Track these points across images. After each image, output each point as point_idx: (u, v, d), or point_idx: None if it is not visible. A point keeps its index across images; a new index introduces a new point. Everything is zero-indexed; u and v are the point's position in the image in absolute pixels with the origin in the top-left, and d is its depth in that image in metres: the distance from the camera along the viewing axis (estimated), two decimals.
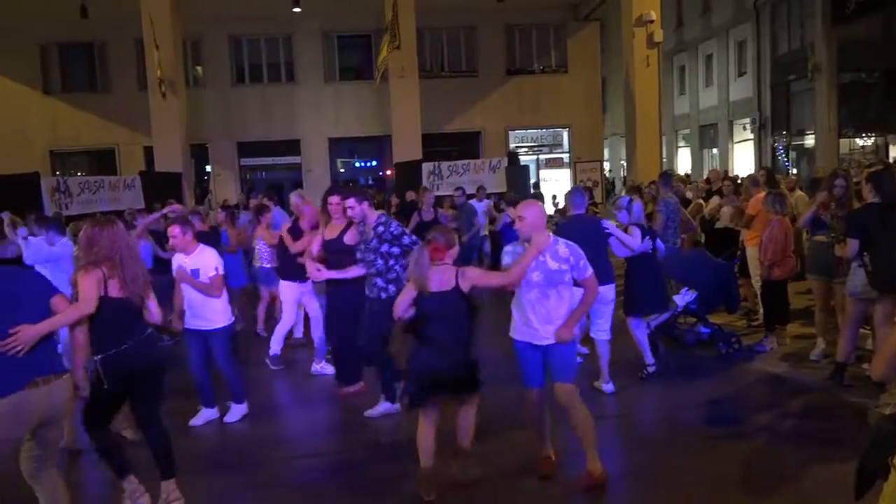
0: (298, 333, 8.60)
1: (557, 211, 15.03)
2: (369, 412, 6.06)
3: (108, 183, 15.16)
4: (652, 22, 17.65)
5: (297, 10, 19.37)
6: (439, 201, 12.70)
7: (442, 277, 4.39)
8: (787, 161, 21.80)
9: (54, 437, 3.81)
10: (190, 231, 5.89)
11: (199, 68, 22.20)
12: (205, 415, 6.10)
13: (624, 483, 4.72)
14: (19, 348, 3.51)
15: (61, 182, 14.15)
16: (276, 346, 7.64)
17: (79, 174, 20.69)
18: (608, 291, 6.15)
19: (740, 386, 6.59)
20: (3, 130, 20.82)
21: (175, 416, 6.07)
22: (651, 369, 6.73)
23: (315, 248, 6.32)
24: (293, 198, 8.36)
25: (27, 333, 3.54)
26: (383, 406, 6.06)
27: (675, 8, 29.24)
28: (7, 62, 20.97)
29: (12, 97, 21.10)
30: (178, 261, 5.95)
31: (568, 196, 6.63)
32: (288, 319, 7.67)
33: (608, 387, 6.31)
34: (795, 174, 19.09)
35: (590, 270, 4.47)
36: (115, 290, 4.05)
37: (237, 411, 6.16)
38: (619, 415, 6.00)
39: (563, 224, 5.97)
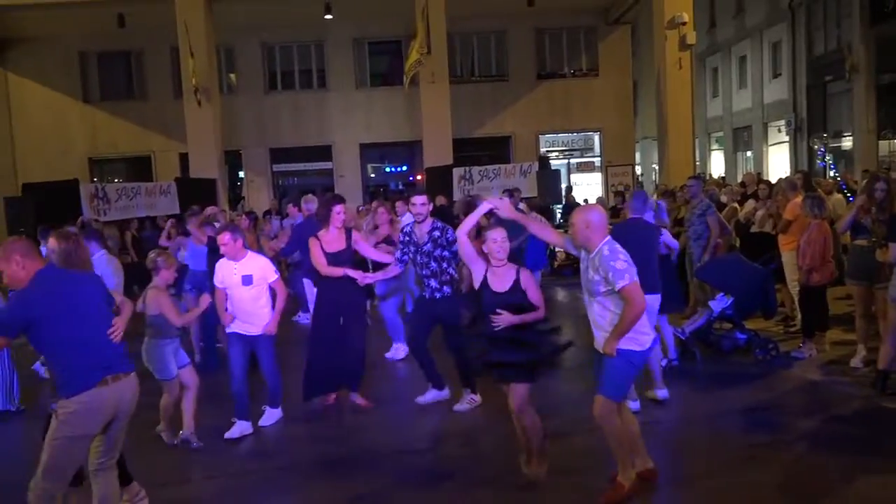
0: None
1: None
2: (420, 398, 6.38)
3: (145, 189, 15.40)
4: (684, 24, 17.48)
5: (328, 16, 19.54)
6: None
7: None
8: (833, 165, 21.35)
9: (120, 433, 3.95)
10: (241, 238, 5.86)
11: (232, 76, 22.52)
12: (240, 427, 5.96)
13: (660, 492, 4.66)
14: (121, 334, 3.91)
15: (99, 189, 14.39)
16: None
17: (116, 181, 21.08)
18: (654, 301, 5.98)
19: (778, 393, 6.49)
20: (45, 138, 21.34)
21: (207, 421, 6.16)
22: (674, 363, 6.68)
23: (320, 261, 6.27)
24: (306, 204, 8.59)
25: (122, 322, 3.94)
26: (431, 394, 6.37)
27: (707, 9, 28.93)
28: (48, 72, 21.48)
29: (53, 105, 21.61)
30: (225, 268, 5.89)
31: (628, 198, 6.72)
32: None
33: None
34: (834, 176, 18.76)
35: (624, 281, 4.12)
36: None
37: (272, 416, 6.18)
38: (656, 421, 5.93)
39: (617, 227, 5.93)
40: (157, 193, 15.53)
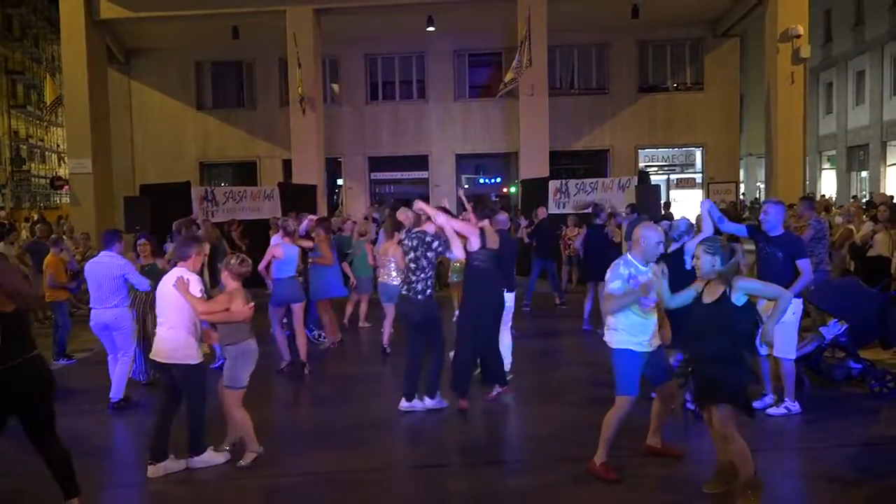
0: None
1: None
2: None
3: (250, 193, 16.03)
4: (799, 37, 16.72)
5: (431, 28, 19.82)
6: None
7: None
8: None
9: None
10: None
11: (335, 86, 23.17)
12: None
13: None
14: None
15: (209, 191, 15.12)
16: None
17: (223, 184, 22.05)
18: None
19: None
20: (161, 142, 22.65)
21: None
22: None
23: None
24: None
25: None
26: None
27: (822, 22, 27.62)
28: (167, 81, 22.77)
29: (169, 112, 22.87)
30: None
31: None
32: None
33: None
34: None
35: None
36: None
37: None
38: (761, 449, 5.63)
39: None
40: (261, 197, 16.12)
